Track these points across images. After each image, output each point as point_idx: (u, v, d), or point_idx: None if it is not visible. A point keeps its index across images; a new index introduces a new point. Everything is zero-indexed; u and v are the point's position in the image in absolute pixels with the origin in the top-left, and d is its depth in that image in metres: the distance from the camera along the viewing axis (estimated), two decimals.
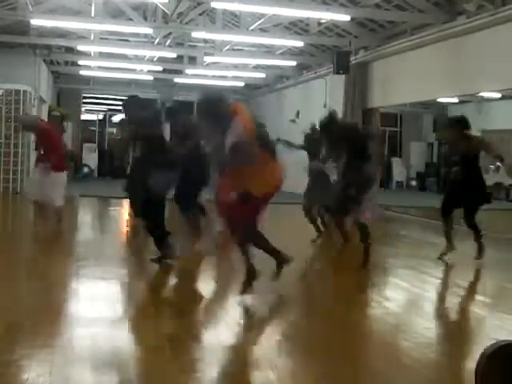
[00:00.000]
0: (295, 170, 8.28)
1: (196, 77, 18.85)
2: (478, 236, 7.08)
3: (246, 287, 4.89)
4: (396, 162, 21.66)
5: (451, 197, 7.14)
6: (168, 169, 5.93)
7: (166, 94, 20.46)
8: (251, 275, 4.89)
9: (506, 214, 15.56)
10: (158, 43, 15.26)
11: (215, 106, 4.69)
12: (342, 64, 13.29)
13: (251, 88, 21.40)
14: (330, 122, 6.91)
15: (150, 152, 6.04)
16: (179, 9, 12.52)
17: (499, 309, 5.19)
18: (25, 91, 14.09)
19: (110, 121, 22.81)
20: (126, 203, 9.74)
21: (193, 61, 17.48)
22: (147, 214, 6.05)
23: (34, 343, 3.65)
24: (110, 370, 3.33)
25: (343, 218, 6.63)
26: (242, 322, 4.54)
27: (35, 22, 12.29)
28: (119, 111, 22.59)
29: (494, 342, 2.68)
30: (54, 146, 7.97)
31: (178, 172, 6.26)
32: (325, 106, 16.00)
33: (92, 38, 14.62)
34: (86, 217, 11.79)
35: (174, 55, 16.27)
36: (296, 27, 14.43)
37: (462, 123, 6.89)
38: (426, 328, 4.45)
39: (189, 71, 18.14)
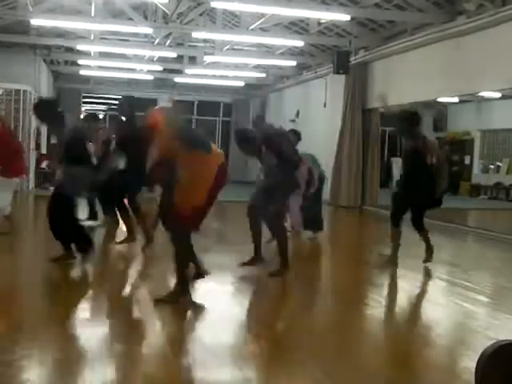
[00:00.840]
0: None
1: (196, 76, 18.86)
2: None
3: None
4: (396, 162, 21.66)
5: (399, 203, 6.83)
6: (81, 170, 5.85)
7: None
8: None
9: (506, 213, 15.56)
10: (158, 43, 15.26)
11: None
12: (342, 64, 13.29)
13: (251, 88, 21.40)
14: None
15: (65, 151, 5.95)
16: (179, 9, 12.52)
17: (499, 309, 5.19)
18: (25, 91, 14.08)
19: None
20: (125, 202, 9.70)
21: (193, 60, 17.48)
22: (57, 212, 5.88)
23: (34, 343, 3.65)
24: (109, 370, 3.33)
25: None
26: (241, 321, 4.55)
27: (35, 21, 12.28)
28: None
29: (494, 341, 2.68)
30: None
31: (92, 174, 6.11)
32: (325, 105, 16.02)
33: (92, 37, 14.62)
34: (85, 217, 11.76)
35: (174, 55, 16.27)
36: (296, 27, 14.43)
37: (410, 120, 6.58)
38: (426, 328, 4.45)
39: (189, 71, 18.14)
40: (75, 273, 5.79)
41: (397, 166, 21.67)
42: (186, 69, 17.95)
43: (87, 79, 20.63)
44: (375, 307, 5.07)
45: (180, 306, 4.56)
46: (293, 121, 18.25)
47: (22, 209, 12.17)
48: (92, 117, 9.69)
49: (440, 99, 15.13)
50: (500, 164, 18.98)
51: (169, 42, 15.39)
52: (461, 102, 17.92)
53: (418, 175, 6.53)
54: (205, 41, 16.24)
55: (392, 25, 12.68)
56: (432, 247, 6.82)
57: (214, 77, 19.06)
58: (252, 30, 12.85)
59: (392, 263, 6.63)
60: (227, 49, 15.41)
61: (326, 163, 14.46)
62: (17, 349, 3.51)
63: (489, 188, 18.80)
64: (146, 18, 13.97)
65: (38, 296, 4.99)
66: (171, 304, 4.55)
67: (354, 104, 13.99)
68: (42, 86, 16.08)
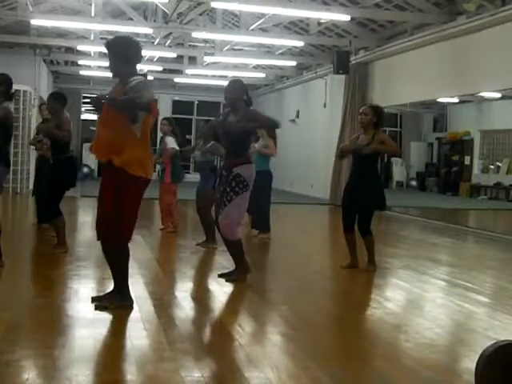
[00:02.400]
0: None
1: (196, 77, 18.87)
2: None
3: None
4: (396, 162, 21.67)
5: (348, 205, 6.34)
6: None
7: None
8: None
9: (506, 213, 15.57)
10: (158, 43, 15.27)
11: None
12: (342, 64, 13.31)
13: (251, 88, 21.42)
14: None
15: None
16: (179, 9, 12.53)
17: (499, 309, 5.19)
18: (25, 91, 14.09)
19: None
20: None
21: (193, 61, 17.49)
22: None
23: (33, 343, 3.65)
24: (109, 370, 3.33)
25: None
26: (242, 322, 4.55)
27: (35, 21, 12.30)
28: None
29: (494, 341, 2.68)
30: None
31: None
32: (325, 105, 16.03)
33: (92, 37, 14.63)
34: (85, 217, 11.78)
35: (174, 55, 16.27)
36: (296, 27, 14.44)
37: None
38: (426, 328, 4.44)
39: (189, 71, 18.15)
40: (75, 273, 5.79)
41: (397, 165, 21.71)
42: (186, 69, 17.96)
43: (87, 79, 20.64)
44: (376, 307, 5.07)
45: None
46: (293, 121, 18.26)
47: (23, 209, 12.20)
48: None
49: (440, 99, 15.16)
50: (500, 164, 18.98)
51: (169, 42, 15.40)
52: (461, 102, 17.94)
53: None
54: (205, 41, 16.25)
55: (392, 25, 12.69)
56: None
57: (213, 77, 19.06)
58: (252, 30, 12.87)
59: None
60: (227, 49, 15.42)
61: (326, 163, 14.52)
62: (17, 349, 3.51)
63: (489, 188, 18.79)
64: (145, 18, 13.99)
65: (37, 296, 4.98)
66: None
67: (354, 104, 13.99)
68: (41, 86, 16.08)
